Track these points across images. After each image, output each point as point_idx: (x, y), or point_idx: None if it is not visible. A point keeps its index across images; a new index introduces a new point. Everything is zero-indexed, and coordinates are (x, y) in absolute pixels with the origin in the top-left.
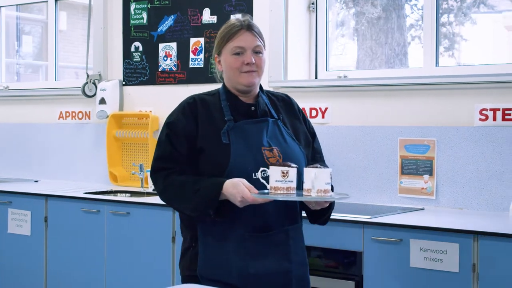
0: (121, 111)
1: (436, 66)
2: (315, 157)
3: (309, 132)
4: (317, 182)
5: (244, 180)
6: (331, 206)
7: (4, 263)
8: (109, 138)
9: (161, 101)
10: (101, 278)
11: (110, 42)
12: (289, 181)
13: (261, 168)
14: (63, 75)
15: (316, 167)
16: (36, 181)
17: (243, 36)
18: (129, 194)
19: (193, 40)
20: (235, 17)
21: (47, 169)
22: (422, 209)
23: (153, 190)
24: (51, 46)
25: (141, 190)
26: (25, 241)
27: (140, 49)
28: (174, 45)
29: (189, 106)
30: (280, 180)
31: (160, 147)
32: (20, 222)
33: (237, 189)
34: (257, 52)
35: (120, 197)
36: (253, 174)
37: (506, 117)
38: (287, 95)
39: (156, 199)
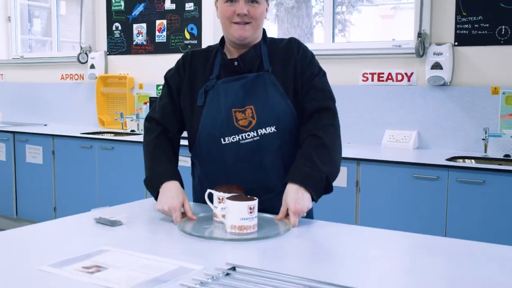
0: (106, 74)
1: (333, 42)
2: (309, 97)
3: (301, 75)
4: (229, 216)
5: (185, 199)
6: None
7: (24, 184)
8: (98, 93)
9: (135, 67)
10: (94, 195)
11: (97, 23)
12: (222, 208)
13: (208, 190)
14: (63, 48)
15: (234, 195)
16: (45, 125)
17: None
18: (113, 134)
19: (158, 22)
20: None
21: (53, 116)
22: None
23: (131, 131)
24: (54, 26)
25: (122, 131)
26: (39, 168)
27: (119, 28)
28: (144, 25)
29: (183, 60)
30: (216, 207)
31: (160, 100)
32: (34, 155)
33: (168, 203)
34: (253, 1)
35: (106, 136)
36: (222, 139)
37: (380, 78)
38: (291, 39)
39: (134, 137)
